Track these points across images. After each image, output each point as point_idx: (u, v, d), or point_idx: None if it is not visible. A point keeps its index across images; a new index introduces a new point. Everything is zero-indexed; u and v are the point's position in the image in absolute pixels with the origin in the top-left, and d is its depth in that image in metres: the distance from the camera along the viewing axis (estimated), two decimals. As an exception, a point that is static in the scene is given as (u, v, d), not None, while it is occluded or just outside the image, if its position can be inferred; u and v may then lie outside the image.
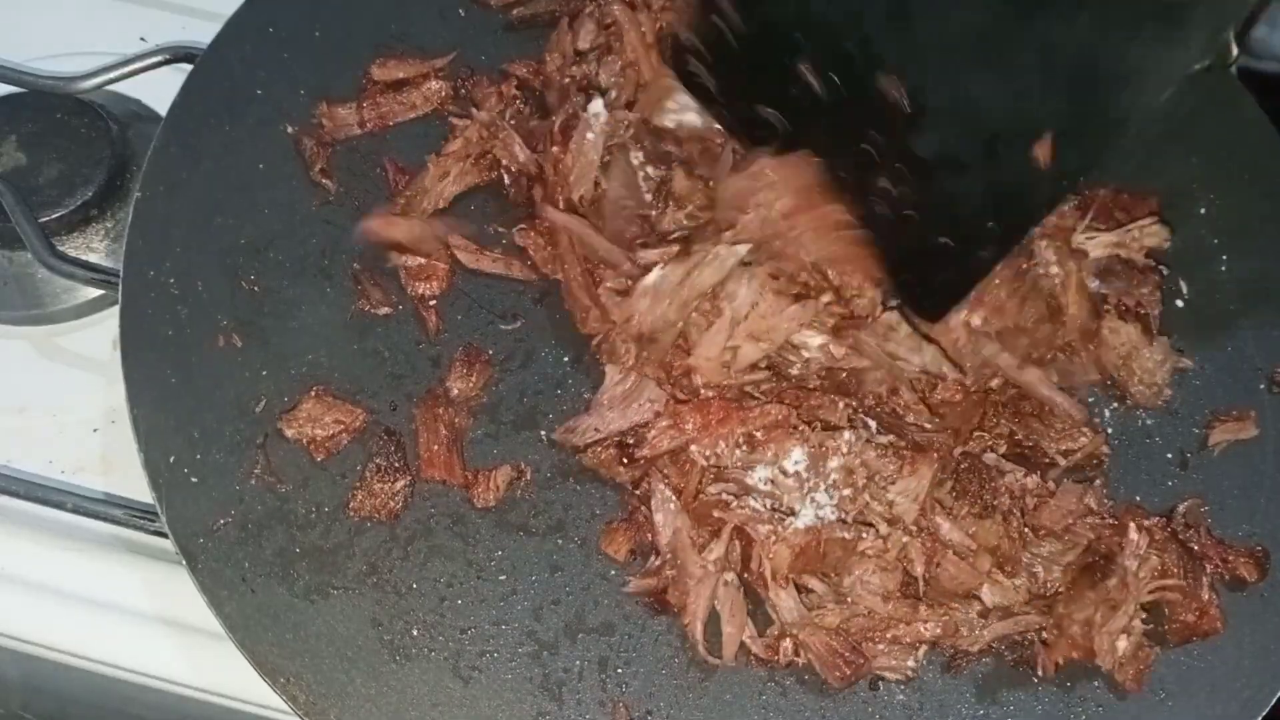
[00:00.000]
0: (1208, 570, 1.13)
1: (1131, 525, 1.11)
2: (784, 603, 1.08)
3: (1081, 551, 1.12)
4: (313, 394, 1.12)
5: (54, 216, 1.30)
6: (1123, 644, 1.10)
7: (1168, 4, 0.89)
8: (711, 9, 1.12)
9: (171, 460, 1.09)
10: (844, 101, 1.07)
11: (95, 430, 1.27)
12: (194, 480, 1.09)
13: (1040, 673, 1.10)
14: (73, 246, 1.32)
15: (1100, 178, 1.20)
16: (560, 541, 1.11)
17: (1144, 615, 1.11)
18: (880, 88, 1.03)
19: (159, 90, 1.26)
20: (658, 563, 1.10)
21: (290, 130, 1.23)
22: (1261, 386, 1.22)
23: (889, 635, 1.09)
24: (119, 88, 1.35)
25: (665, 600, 1.09)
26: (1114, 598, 1.09)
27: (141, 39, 1.43)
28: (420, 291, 1.18)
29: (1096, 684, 1.11)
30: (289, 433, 1.10)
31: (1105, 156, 0.99)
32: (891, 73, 1.02)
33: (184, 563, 1.06)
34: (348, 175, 1.22)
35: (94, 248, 1.33)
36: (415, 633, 1.07)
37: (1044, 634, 1.11)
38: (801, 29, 1.07)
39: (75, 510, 1.19)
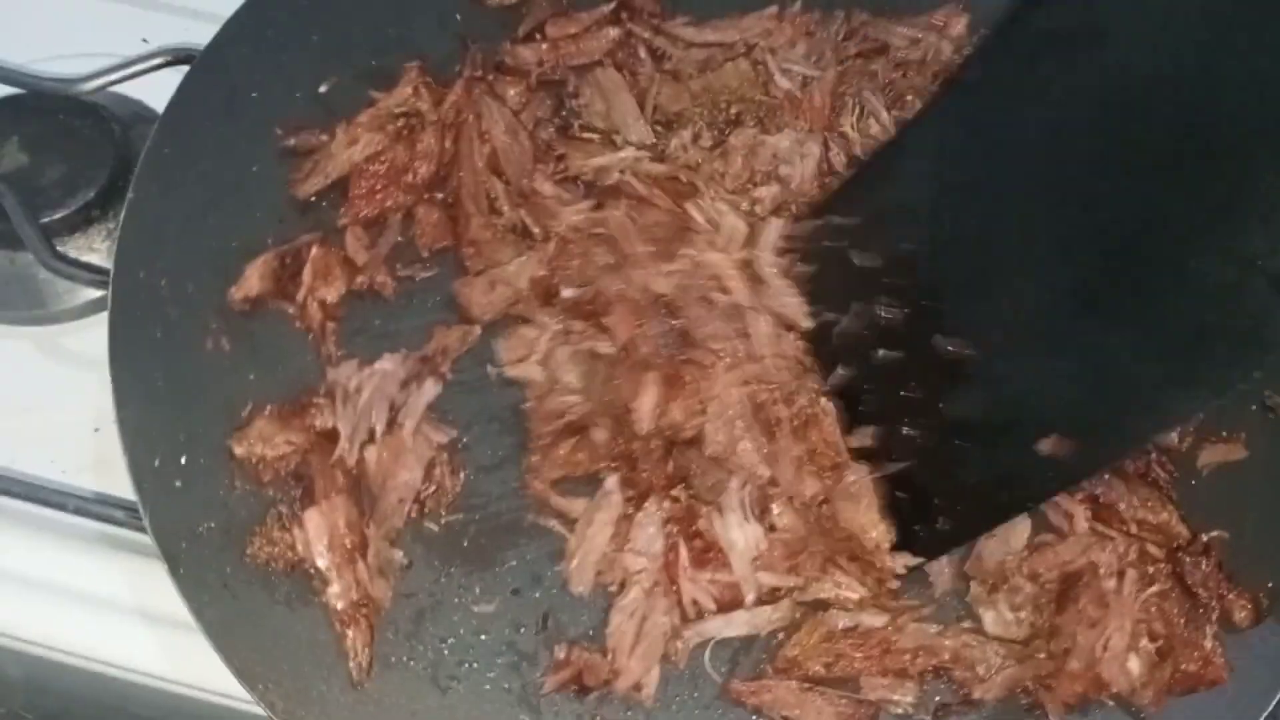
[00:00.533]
0: (1212, 619, 1.11)
1: (1100, 547, 1.10)
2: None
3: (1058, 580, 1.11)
4: (266, 412, 1.12)
5: (56, 217, 1.31)
6: (1134, 664, 1.09)
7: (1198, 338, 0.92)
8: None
9: (156, 463, 1.09)
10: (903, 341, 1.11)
11: (96, 430, 1.27)
12: (178, 483, 1.09)
13: (1053, 717, 1.08)
14: (74, 247, 1.32)
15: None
16: (540, 551, 1.11)
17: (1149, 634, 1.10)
18: (934, 344, 1.07)
19: (161, 92, 1.25)
20: (563, 654, 1.08)
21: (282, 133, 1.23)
22: (1253, 408, 1.19)
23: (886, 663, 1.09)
24: (121, 89, 1.35)
25: (585, 684, 1.07)
26: (1090, 614, 1.08)
27: (144, 40, 1.43)
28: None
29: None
30: (238, 450, 1.10)
31: (1109, 467, 1.10)
32: (950, 334, 1.07)
33: (165, 566, 1.06)
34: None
35: (96, 248, 1.33)
36: (395, 642, 1.07)
37: (1047, 680, 1.09)
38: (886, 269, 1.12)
39: (76, 511, 1.20)
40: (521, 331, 1.17)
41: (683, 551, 1.08)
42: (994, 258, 1.05)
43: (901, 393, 1.10)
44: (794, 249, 1.19)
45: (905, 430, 1.10)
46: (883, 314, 1.12)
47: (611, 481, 1.11)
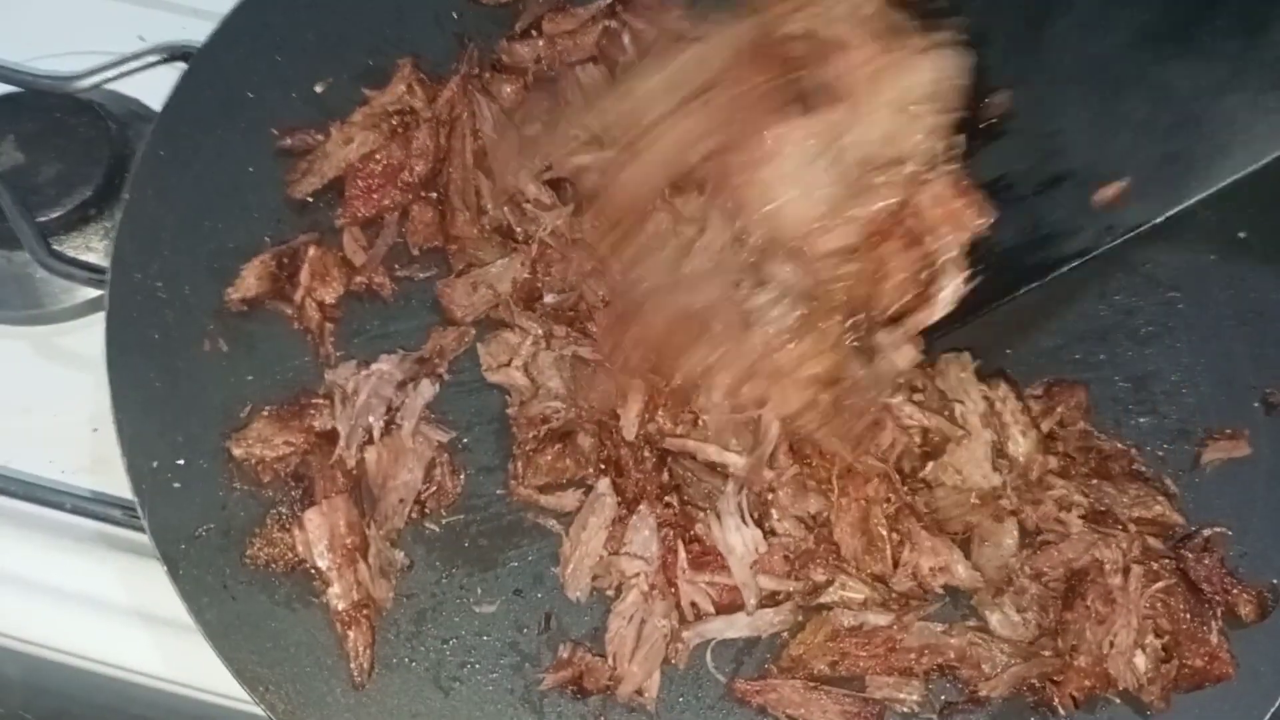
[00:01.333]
0: (1218, 614, 1.10)
1: (1105, 544, 1.10)
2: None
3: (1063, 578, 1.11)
4: (265, 413, 1.11)
5: (52, 216, 1.30)
6: (1140, 661, 1.08)
7: None
8: None
9: (155, 465, 1.09)
10: None
11: (95, 430, 1.27)
12: (177, 486, 1.09)
13: (1061, 711, 1.08)
14: (71, 246, 1.32)
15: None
16: (542, 551, 1.10)
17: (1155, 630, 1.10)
18: (979, 93, 1.00)
19: (157, 89, 1.26)
20: (566, 653, 1.07)
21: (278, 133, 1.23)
22: (1255, 405, 1.19)
23: (891, 662, 1.08)
24: (117, 87, 1.35)
25: (584, 686, 1.07)
26: (1099, 611, 1.08)
27: (140, 38, 1.42)
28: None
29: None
30: (237, 452, 1.10)
31: (1164, 214, 0.96)
32: (997, 86, 1.00)
33: (165, 569, 1.06)
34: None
35: (92, 247, 1.32)
36: (396, 643, 1.06)
37: (1054, 676, 1.08)
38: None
39: (74, 510, 1.20)
40: (504, 336, 1.17)
41: (681, 553, 1.07)
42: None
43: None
44: None
45: None
46: None
47: (604, 484, 1.10)
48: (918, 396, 1.13)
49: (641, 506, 1.09)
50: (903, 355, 1.07)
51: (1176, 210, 0.96)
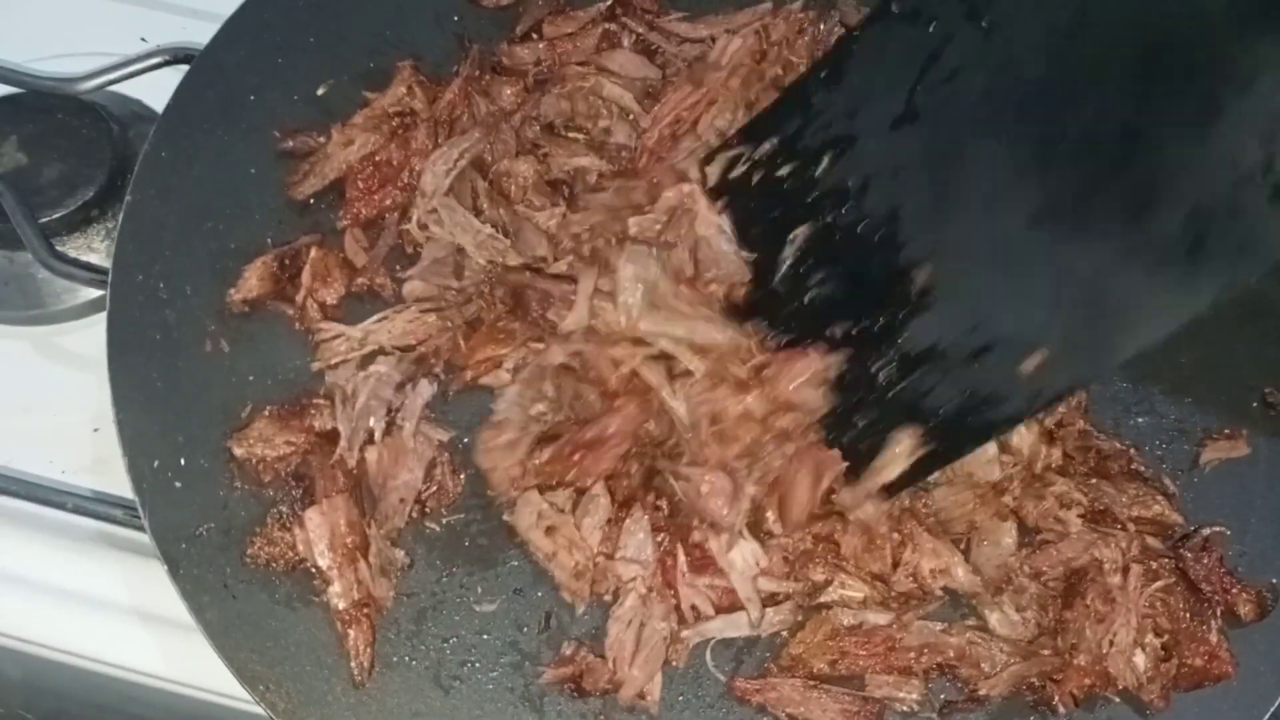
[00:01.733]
0: (1217, 614, 1.11)
1: (1104, 543, 1.10)
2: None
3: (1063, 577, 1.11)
4: (266, 413, 1.12)
5: (54, 217, 1.31)
6: (1140, 660, 1.09)
7: (1190, 249, 0.91)
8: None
9: (155, 465, 1.09)
10: (860, 274, 1.10)
11: (96, 430, 1.27)
12: (178, 485, 1.09)
13: (1061, 710, 1.08)
14: (73, 247, 1.32)
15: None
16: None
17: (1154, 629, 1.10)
18: (903, 268, 1.06)
19: (160, 91, 1.26)
20: (569, 651, 1.07)
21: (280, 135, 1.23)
22: (1254, 405, 1.20)
23: (891, 661, 1.08)
24: (120, 88, 1.35)
25: (583, 686, 1.07)
26: (1098, 610, 1.08)
27: (142, 40, 1.43)
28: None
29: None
30: (238, 451, 1.10)
31: (1088, 383, 1.06)
32: (918, 260, 1.05)
33: (165, 568, 1.06)
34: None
35: (94, 248, 1.33)
36: (397, 641, 1.06)
37: (1054, 674, 1.09)
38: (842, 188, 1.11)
39: (75, 510, 1.20)
40: None
41: (680, 556, 1.08)
42: (953, 180, 1.04)
43: (856, 329, 1.10)
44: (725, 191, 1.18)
45: (865, 366, 1.09)
46: (831, 239, 1.11)
47: (598, 485, 1.10)
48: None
49: (635, 509, 1.09)
50: (865, 511, 1.10)
51: (1096, 378, 1.05)
